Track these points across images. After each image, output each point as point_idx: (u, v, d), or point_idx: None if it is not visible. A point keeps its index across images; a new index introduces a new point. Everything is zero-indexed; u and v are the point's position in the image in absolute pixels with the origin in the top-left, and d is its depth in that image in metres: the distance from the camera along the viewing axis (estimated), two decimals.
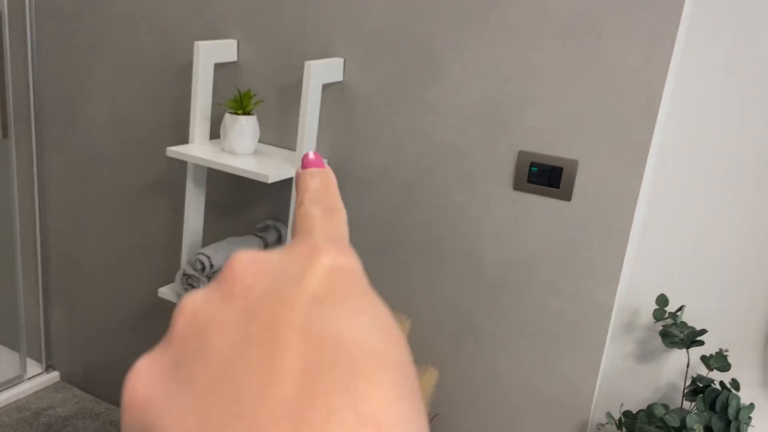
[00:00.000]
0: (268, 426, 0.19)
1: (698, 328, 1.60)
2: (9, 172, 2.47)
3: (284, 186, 1.95)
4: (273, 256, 0.24)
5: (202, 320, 0.22)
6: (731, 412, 1.53)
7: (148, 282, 2.36)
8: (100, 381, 2.62)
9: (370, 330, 0.21)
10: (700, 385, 1.61)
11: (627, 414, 1.67)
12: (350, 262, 0.24)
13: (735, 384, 1.58)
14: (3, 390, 2.55)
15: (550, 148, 1.64)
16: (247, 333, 0.21)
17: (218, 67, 1.96)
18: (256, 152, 1.89)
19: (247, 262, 0.24)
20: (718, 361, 1.60)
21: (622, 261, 1.63)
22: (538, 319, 1.75)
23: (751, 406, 1.56)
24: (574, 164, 1.62)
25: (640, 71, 1.52)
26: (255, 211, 2.08)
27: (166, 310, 2.34)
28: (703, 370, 1.64)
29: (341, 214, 0.28)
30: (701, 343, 1.58)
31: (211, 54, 1.91)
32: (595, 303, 1.67)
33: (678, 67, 1.56)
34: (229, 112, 1.85)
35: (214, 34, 2.00)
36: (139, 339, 2.46)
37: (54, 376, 2.70)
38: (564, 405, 1.77)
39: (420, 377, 1.81)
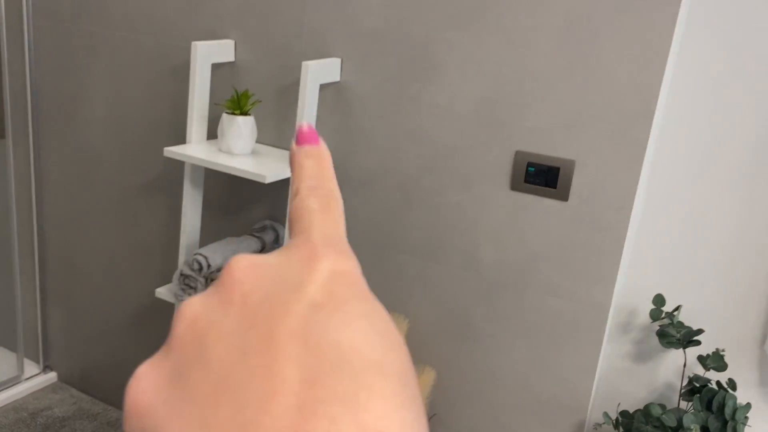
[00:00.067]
0: None
1: (695, 327, 1.60)
2: (6, 173, 2.47)
3: (282, 186, 1.95)
4: (271, 260, 0.24)
5: (202, 326, 0.22)
6: (728, 412, 1.53)
7: (146, 282, 2.36)
8: (97, 381, 2.62)
9: (370, 336, 0.21)
10: (697, 385, 1.61)
11: (624, 414, 1.68)
12: (349, 265, 0.24)
13: (732, 384, 1.59)
14: (0, 391, 2.54)
15: (547, 148, 1.64)
16: (246, 340, 0.21)
17: (215, 67, 1.96)
18: (253, 152, 1.89)
19: (246, 267, 0.23)
20: (715, 361, 1.60)
21: (619, 261, 1.63)
22: (535, 319, 1.75)
23: (748, 405, 1.56)
24: (571, 164, 1.62)
25: (637, 72, 1.52)
26: (252, 211, 2.08)
27: (164, 310, 2.34)
28: (699, 370, 1.64)
29: (338, 205, 0.28)
30: (698, 342, 1.58)
31: (208, 54, 1.91)
32: (592, 303, 1.68)
33: (675, 67, 1.57)
34: (227, 113, 1.85)
35: (212, 34, 2.00)
36: (137, 339, 2.46)
37: (51, 376, 2.70)
38: (561, 405, 1.77)
39: (417, 377, 1.80)
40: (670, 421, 1.55)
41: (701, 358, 1.61)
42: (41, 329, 2.68)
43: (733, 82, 1.55)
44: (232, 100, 1.85)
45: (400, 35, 1.75)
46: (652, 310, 1.63)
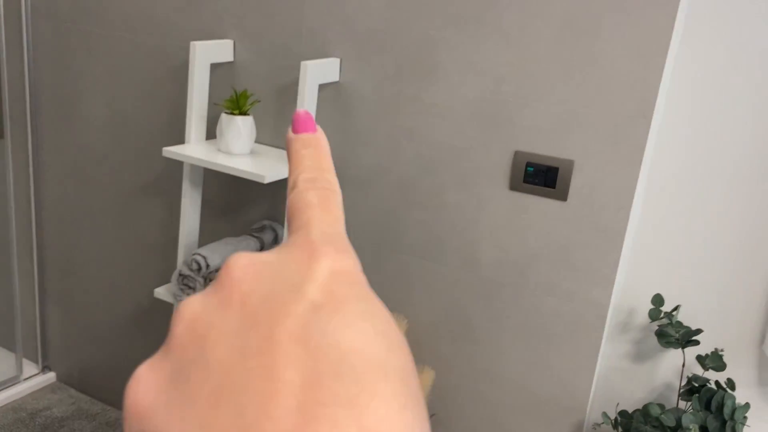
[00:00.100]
0: None
1: (694, 327, 1.60)
2: (5, 173, 2.47)
3: (280, 186, 1.95)
4: (270, 258, 0.24)
5: (201, 327, 0.22)
6: (727, 411, 1.53)
7: (145, 282, 2.36)
8: (96, 381, 2.61)
9: (371, 337, 0.21)
10: (696, 385, 1.62)
11: (623, 414, 1.68)
12: (349, 264, 0.24)
13: (730, 384, 1.59)
14: None
15: (546, 148, 1.64)
16: (246, 342, 0.21)
17: (214, 67, 1.96)
18: (252, 152, 1.89)
19: (245, 267, 0.23)
20: (714, 360, 1.60)
21: (618, 261, 1.63)
22: (534, 318, 1.75)
23: (747, 405, 1.56)
24: (570, 164, 1.62)
25: (636, 71, 1.52)
26: (251, 211, 2.08)
27: (163, 310, 2.34)
28: (698, 370, 1.64)
29: (337, 199, 0.27)
30: (697, 342, 1.58)
31: (207, 54, 1.91)
32: (591, 303, 1.68)
33: (673, 67, 1.57)
34: (226, 113, 1.85)
35: (211, 34, 2.00)
36: (136, 339, 2.46)
37: (50, 376, 2.70)
38: (560, 405, 1.77)
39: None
40: (669, 421, 1.55)
41: (700, 358, 1.61)
42: (40, 329, 2.67)
43: (732, 82, 1.55)
44: (231, 100, 1.85)
45: (400, 35, 1.75)
46: (650, 310, 1.63)
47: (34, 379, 2.65)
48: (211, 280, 1.94)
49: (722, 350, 1.61)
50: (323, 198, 0.27)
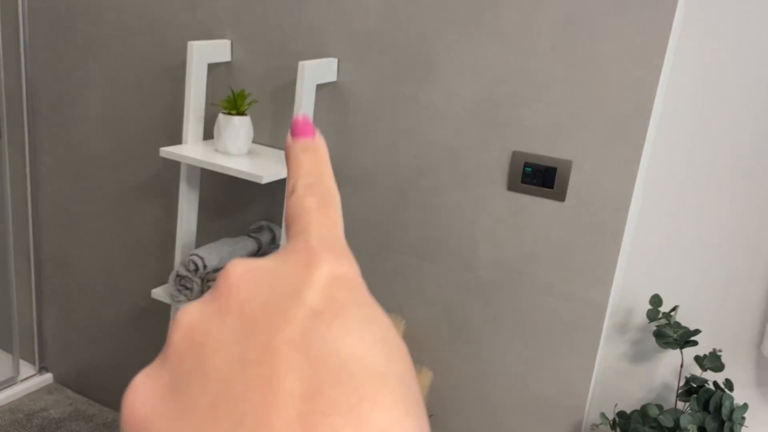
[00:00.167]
0: None
1: (692, 328, 1.60)
2: (2, 173, 2.46)
3: (278, 186, 1.94)
4: (269, 265, 0.23)
5: (199, 336, 0.22)
6: (725, 412, 1.53)
7: (142, 283, 2.36)
8: (93, 383, 2.61)
9: (371, 344, 0.21)
10: (694, 386, 1.61)
11: (621, 414, 1.67)
12: (348, 269, 0.23)
13: (729, 384, 1.59)
14: None
15: (544, 148, 1.64)
16: (245, 350, 0.20)
17: (212, 67, 1.96)
18: (249, 153, 1.89)
19: (243, 274, 0.23)
20: (712, 361, 1.60)
21: (616, 261, 1.63)
22: (532, 319, 1.75)
23: (745, 406, 1.56)
24: (567, 164, 1.62)
25: (634, 72, 1.52)
26: (249, 211, 2.08)
27: (160, 311, 2.33)
28: (696, 371, 1.64)
29: (336, 204, 0.27)
30: (695, 343, 1.58)
31: (204, 54, 1.91)
32: (589, 303, 1.68)
33: (671, 67, 1.57)
34: (223, 113, 1.85)
35: (208, 34, 1.99)
36: (133, 340, 2.45)
37: (47, 377, 2.69)
38: (558, 405, 1.77)
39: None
40: (667, 422, 1.54)
41: (698, 359, 1.61)
42: (37, 330, 2.67)
43: (730, 82, 1.55)
44: (228, 100, 1.84)
45: (397, 35, 1.75)
46: (649, 311, 1.63)
47: (31, 380, 2.65)
48: (208, 281, 1.94)
49: (720, 351, 1.61)
50: (322, 203, 0.26)
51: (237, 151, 1.85)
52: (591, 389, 1.74)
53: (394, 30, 1.75)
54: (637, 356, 1.75)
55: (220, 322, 0.22)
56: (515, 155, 1.67)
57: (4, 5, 2.31)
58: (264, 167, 1.79)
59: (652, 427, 1.57)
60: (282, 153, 1.92)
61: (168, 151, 1.86)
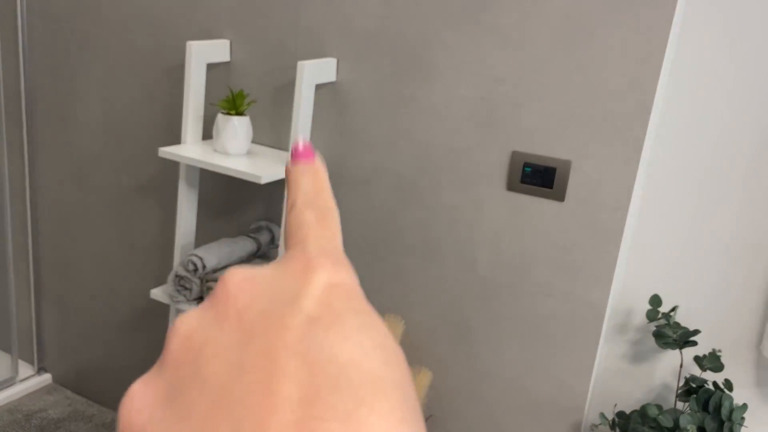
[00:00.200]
0: None
1: (691, 328, 1.60)
2: (1, 173, 2.46)
3: (277, 186, 1.94)
4: (266, 272, 0.24)
5: (197, 343, 0.22)
6: (724, 412, 1.53)
7: (141, 283, 2.35)
8: (92, 383, 2.61)
9: (368, 350, 0.21)
10: (694, 386, 1.61)
11: (620, 414, 1.67)
12: (346, 277, 0.24)
13: (728, 384, 1.59)
14: None
15: (544, 148, 1.64)
16: (243, 357, 0.21)
17: (211, 67, 1.96)
18: (248, 153, 1.89)
19: (241, 282, 0.23)
20: (712, 361, 1.60)
21: (616, 261, 1.63)
22: (531, 319, 1.75)
23: (744, 406, 1.56)
24: (567, 164, 1.62)
25: (633, 72, 1.52)
26: (248, 211, 2.08)
27: (159, 311, 2.33)
28: (696, 371, 1.64)
29: (334, 215, 0.27)
30: (694, 343, 1.58)
31: (203, 54, 1.90)
32: (589, 303, 1.67)
33: (671, 67, 1.56)
34: (222, 113, 1.84)
35: (207, 34, 1.99)
36: (132, 341, 2.45)
37: (46, 378, 2.69)
38: (558, 406, 1.77)
39: (414, 378, 1.80)
40: (667, 422, 1.54)
41: (698, 359, 1.61)
42: (36, 330, 2.67)
43: (730, 82, 1.55)
44: (227, 100, 1.84)
45: (396, 35, 1.75)
46: (648, 311, 1.63)
47: (30, 381, 2.65)
48: (207, 281, 1.93)
49: (720, 351, 1.61)
50: (320, 216, 0.27)
51: (236, 151, 1.84)
52: (590, 389, 1.74)
53: (393, 30, 1.75)
54: (637, 356, 1.74)
55: (218, 329, 0.22)
56: (515, 155, 1.67)
57: (2, 5, 2.31)
58: (263, 167, 1.79)
59: (651, 428, 1.57)
60: (281, 153, 1.92)
61: (167, 151, 1.86)
